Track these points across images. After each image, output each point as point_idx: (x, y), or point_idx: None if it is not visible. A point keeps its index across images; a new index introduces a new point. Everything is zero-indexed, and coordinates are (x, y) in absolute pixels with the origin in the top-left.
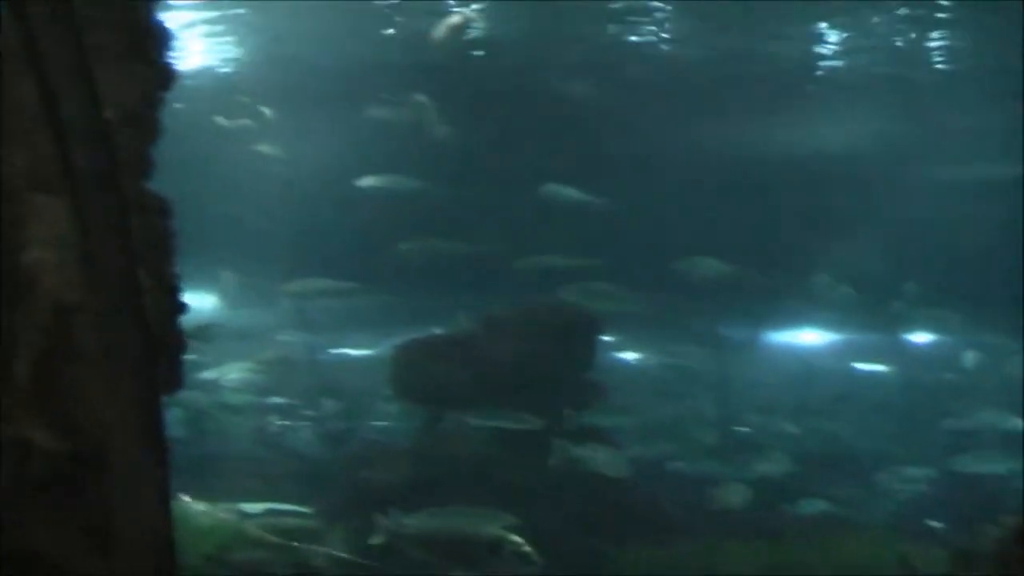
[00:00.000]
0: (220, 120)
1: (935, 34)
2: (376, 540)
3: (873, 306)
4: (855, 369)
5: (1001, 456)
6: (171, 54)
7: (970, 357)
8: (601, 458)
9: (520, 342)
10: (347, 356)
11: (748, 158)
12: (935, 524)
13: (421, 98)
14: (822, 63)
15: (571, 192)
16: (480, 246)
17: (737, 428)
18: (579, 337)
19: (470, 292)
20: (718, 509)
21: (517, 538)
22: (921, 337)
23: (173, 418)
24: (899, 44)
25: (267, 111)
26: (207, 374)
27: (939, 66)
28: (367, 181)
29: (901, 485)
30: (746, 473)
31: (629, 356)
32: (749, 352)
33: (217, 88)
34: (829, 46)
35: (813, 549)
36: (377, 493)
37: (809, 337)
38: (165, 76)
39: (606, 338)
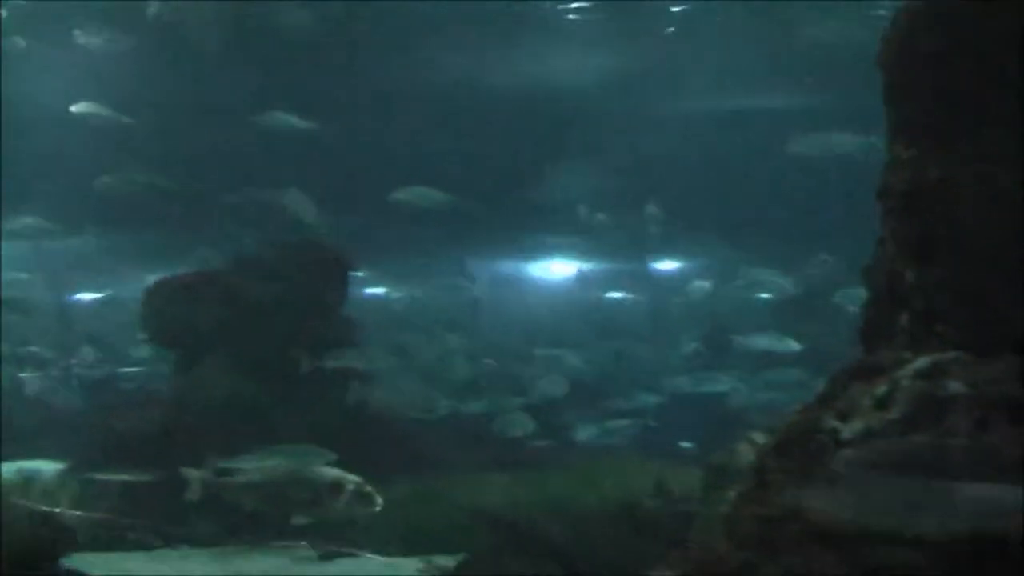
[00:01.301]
0: None
1: None
2: (192, 496)
3: (622, 236)
4: (606, 297)
5: (725, 376)
6: None
7: (698, 284)
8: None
9: (272, 279)
10: (87, 299)
11: (483, 89)
12: (686, 445)
13: None
14: None
15: (291, 119)
16: (193, 180)
17: (491, 361)
18: (331, 273)
19: (185, 230)
20: (479, 442)
21: (357, 477)
22: (669, 264)
23: None
24: None
25: None
26: None
27: None
28: (80, 108)
29: (646, 410)
30: (504, 405)
31: (381, 291)
32: (501, 284)
33: None
34: None
35: (570, 477)
36: (133, 443)
37: (561, 268)
38: None
39: (357, 274)
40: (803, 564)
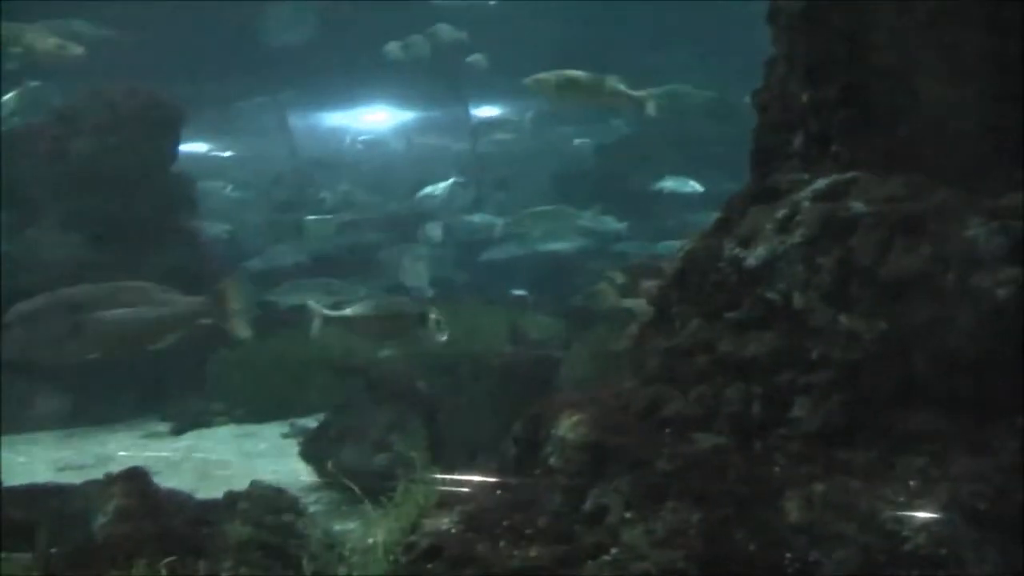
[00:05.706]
0: None
1: None
2: (313, 330)
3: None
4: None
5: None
6: None
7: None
8: None
9: (99, 133)
10: None
11: None
12: (520, 292)
13: None
14: None
15: None
16: None
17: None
18: (163, 125)
19: None
20: None
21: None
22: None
23: None
24: None
25: None
26: None
27: None
28: None
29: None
30: None
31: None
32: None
33: None
34: None
35: None
36: None
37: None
38: None
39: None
40: (712, 396)
